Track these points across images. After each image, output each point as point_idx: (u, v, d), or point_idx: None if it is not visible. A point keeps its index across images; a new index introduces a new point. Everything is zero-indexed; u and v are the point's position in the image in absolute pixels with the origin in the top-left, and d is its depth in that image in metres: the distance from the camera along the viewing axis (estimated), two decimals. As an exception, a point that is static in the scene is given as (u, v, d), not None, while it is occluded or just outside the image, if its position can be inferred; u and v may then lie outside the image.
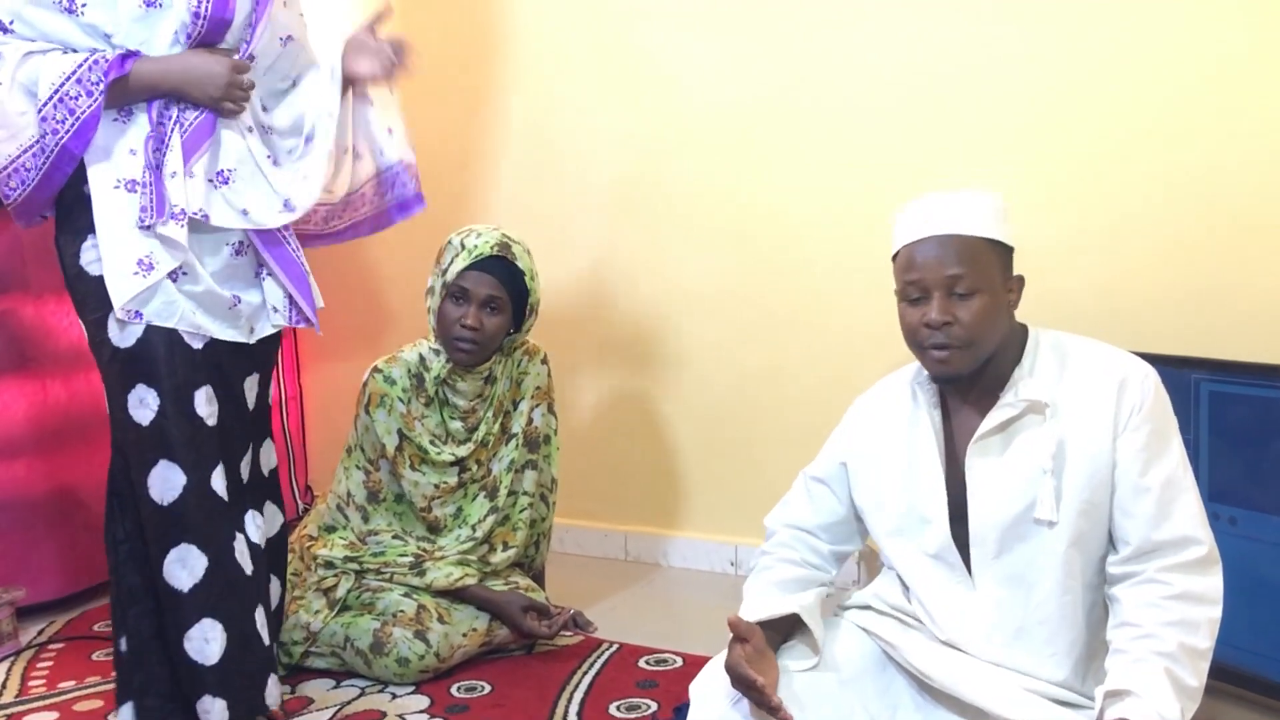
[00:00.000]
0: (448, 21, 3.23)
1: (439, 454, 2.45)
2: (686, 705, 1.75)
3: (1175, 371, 1.93)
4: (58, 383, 2.82)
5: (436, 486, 2.47)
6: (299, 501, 3.52)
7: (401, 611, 2.33)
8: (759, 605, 1.69)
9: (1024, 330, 1.67)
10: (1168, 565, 1.51)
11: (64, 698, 2.29)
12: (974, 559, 1.62)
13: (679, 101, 2.93)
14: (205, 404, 1.90)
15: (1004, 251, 1.63)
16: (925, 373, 1.72)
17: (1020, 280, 1.66)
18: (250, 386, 2.04)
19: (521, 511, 2.56)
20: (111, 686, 2.29)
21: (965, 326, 1.58)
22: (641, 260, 3.04)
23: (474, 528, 2.49)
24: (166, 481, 1.86)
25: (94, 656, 2.50)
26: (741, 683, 1.55)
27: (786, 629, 1.69)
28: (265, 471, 2.13)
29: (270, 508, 2.14)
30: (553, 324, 2.79)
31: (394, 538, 2.47)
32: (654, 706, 2.14)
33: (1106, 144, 2.44)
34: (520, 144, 3.18)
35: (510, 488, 2.54)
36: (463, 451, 2.47)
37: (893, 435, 1.73)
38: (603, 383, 3.13)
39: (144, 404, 1.85)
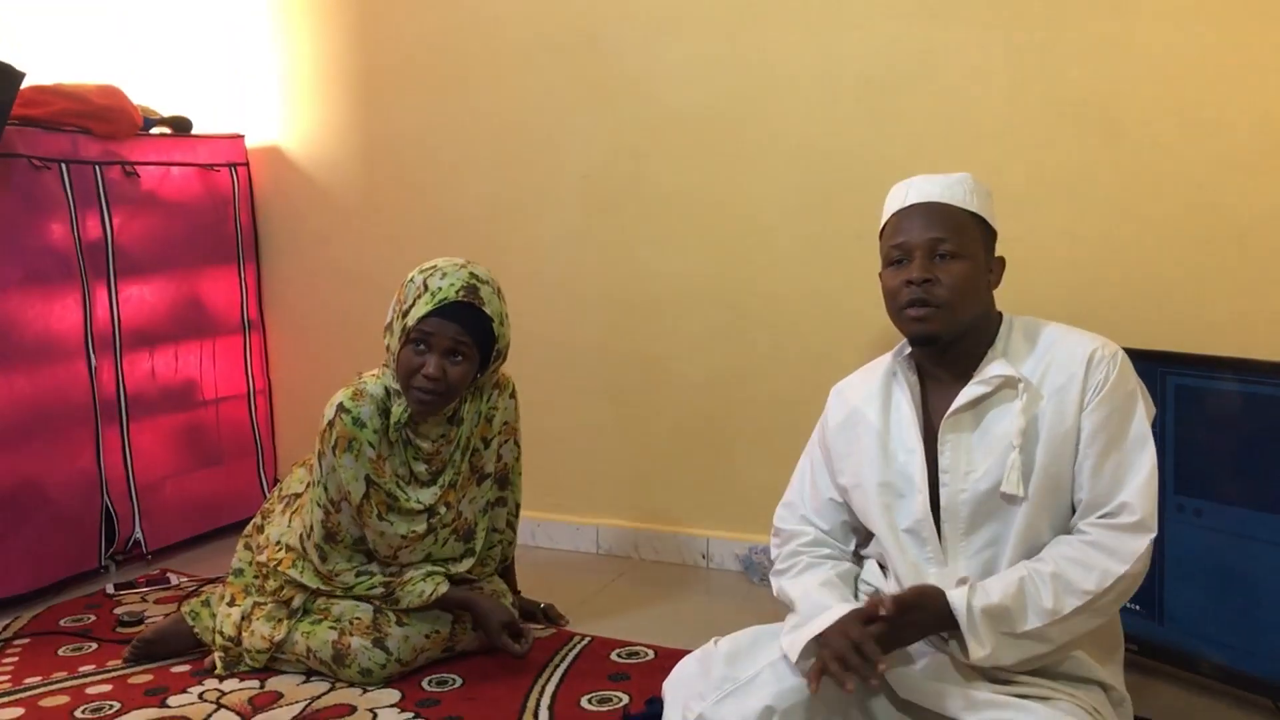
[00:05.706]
0: (422, 13, 3.22)
1: (408, 500, 2.29)
2: (658, 699, 1.75)
3: (1142, 365, 1.95)
4: (22, 376, 2.79)
5: (404, 536, 2.30)
6: (267, 496, 3.49)
7: (357, 619, 2.28)
8: (818, 607, 1.64)
9: (1000, 315, 1.72)
10: (1093, 521, 1.57)
11: (30, 693, 2.26)
12: (945, 534, 1.65)
13: (649, 100, 2.92)
14: None
15: (987, 230, 1.69)
16: (904, 353, 1.75)
17: (1001, 262, 1.72)
18: None
19: (492, 548, 2.51)
20: (79, 681, 2.28)
21: (945, 287, 1.62)
22: (612, 256, 3.03)
23: (447, 564, 2.38)
24: None
25: (60, 652, 2.47)
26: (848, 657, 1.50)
27: None
28: None
29: None
30: (524, 319, 2.78)
31: (357, 575, 2.32)
32: (626, 699, 2.14)
33: (1077, 142, 2.45)
34: (491, 138, 3.16)
35: (483, 527, 2.44)
36: (429, 498, 2.32)
37: (870, 412, 1.75)
38: (574, 377, 3.12)
39: None
